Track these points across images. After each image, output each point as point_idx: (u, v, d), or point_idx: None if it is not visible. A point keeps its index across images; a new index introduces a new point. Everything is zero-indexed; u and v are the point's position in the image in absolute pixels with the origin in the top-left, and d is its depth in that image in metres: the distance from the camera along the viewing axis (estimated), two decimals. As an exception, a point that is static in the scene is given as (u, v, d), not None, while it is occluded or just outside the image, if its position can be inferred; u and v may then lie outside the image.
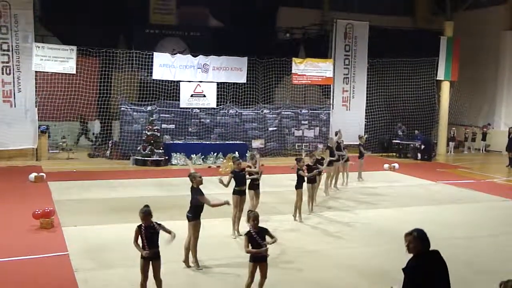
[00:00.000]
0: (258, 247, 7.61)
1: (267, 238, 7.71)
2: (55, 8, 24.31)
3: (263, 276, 7.76)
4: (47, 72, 21.86)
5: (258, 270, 7.74)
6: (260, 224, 7.79)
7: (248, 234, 7.67)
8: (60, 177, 17.86)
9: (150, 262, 7.49)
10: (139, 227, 7.50)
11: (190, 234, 9.27)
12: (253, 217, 7.71)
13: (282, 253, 10.26)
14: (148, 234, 7.45)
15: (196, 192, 9.24)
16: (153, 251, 7.47)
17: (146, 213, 7.49)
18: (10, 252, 9.89)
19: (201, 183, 9.28)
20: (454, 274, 9.06)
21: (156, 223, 7.58)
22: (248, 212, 8.15)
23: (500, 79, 29.13)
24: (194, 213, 9.22)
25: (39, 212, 11.73)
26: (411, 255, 5.35)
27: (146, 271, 7.53)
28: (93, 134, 25.04)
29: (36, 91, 21.66)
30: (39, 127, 21.82)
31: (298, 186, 12.84)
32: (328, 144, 17.53)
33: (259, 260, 7.69)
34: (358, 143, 19.43)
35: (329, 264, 9.84)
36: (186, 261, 9.37)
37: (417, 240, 5.31)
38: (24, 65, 21.21)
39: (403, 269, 5.29)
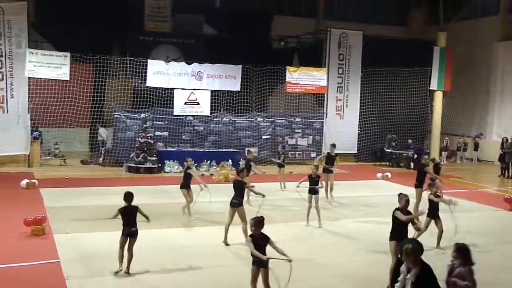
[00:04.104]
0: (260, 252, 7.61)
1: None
2: (49, 14, 24.31)
3: (264, 280, 7.78)
4: (40, 78, 21.80)
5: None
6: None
7: (251, 237, 7.70)
8: (52, 183, 17.78)
9: (128, 238, 9.18)
10: (124, 207, 9.28)
11: None
12: (254, 223, 7.73)
13: (275, 262, 10.23)
14: (129, 214, 9.22)
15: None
16: (131, 229, 9.17)
17: (130, 196, 9.35)
18: (1, 259, 9.80)
19: None
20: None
21: (135, 206, 9.32)
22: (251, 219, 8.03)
23: (493, 89, 29.32)
24: None
25: (30, 219, 11.66)
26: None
27: (124, 245, 9.20)
28: (102, 141, 24.60)
29: (29, 97, 21.59)
30: (31, 134, 21.73)
31: (435, 214, 11.52)
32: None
33: (260, 264, 7.70)
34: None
35: (323, 273, 9.82)
36: None
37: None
38: (17, 71, 21.13)
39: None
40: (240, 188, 11.37)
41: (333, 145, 17.68)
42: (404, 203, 9.15)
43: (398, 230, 8.94)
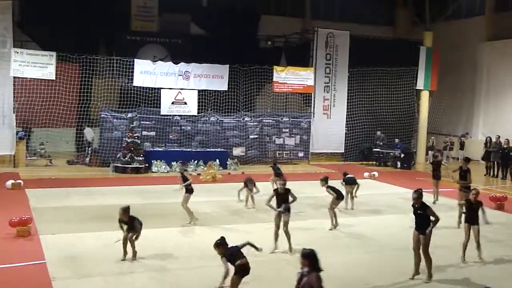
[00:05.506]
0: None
1: None
2: (34, 13, 24.07)
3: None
4: (26, 78, 21.59)
5: None
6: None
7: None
8: (38, 184, 17.63)
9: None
10: None
11: None
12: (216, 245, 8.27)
13: (262, 262, 10.22)
14: None
15: None
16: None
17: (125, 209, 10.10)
18: (-14, 261, 9.71)
19: None
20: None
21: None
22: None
23: (478, 89, 29.55)
24: None
25: (16, 219, 11.55)
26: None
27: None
28: (87, 141, 24.39)
29: (14, 97, 21.38)
30: (16, 134, 21.51)
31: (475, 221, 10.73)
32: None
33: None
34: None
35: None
36: None
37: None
38: (2, 71, 20.92)
39: None
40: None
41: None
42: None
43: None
